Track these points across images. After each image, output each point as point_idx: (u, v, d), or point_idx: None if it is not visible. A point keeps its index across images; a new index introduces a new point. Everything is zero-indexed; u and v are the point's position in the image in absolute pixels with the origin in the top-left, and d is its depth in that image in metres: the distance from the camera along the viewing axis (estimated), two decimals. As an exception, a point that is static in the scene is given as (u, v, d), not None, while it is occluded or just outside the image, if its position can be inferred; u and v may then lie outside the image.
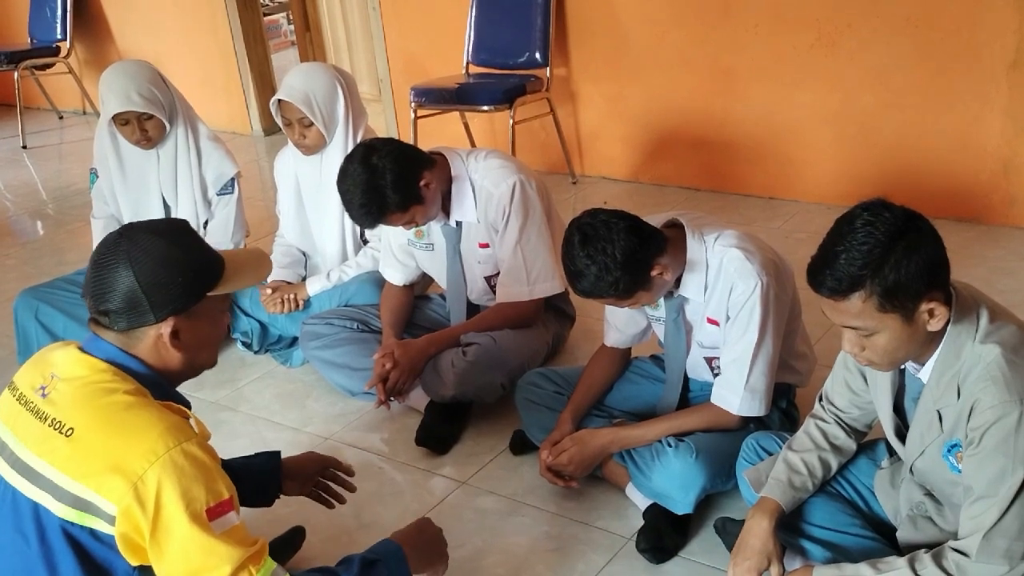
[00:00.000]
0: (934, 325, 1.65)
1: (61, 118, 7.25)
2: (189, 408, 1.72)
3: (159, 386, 1.68)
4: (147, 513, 1.51)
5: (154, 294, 1.62)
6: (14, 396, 1.67)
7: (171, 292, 1.64)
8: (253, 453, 2.21)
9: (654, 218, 2.26)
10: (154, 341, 1.66)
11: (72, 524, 1.55)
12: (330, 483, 2.23)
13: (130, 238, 1.65)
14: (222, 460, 2.06)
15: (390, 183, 2.56)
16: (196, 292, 1.68)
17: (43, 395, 1.62)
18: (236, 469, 2.05)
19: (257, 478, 2.11)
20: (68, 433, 1.56)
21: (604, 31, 4.61)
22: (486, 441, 2.77)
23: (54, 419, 1.58)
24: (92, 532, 1.55)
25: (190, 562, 1.53)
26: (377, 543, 1.90)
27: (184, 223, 1.78)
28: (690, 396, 2.49)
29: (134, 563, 1.57)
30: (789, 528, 2.00)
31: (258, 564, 1.58)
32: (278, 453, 2.20)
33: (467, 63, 4.94)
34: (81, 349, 1.67)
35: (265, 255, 1.90)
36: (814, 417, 2.07)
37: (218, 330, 1.78)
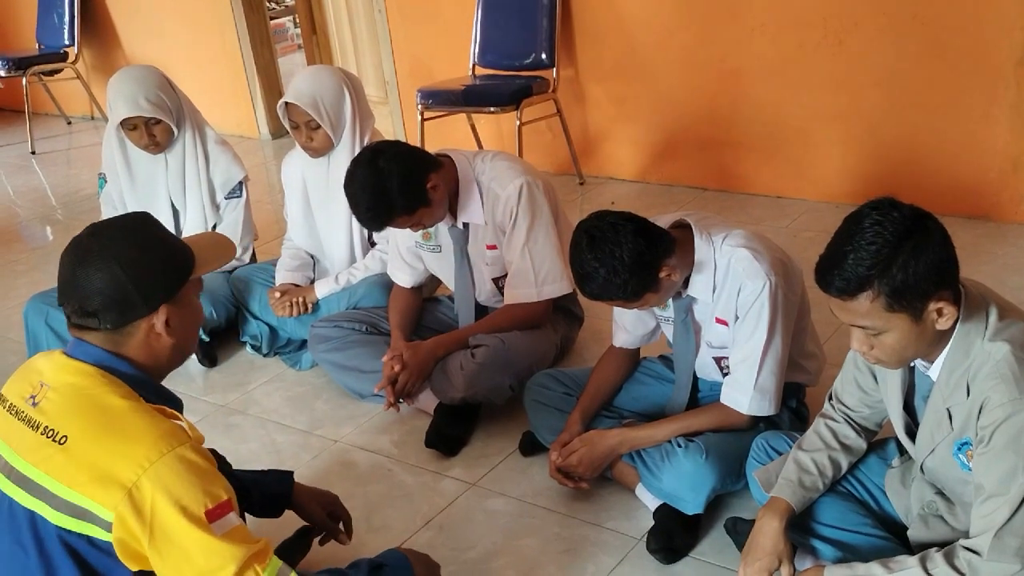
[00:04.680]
0: (943, 324, 1.64)
1: (69, 124, 7.27)
2: (181, 407, 1.71)
3: (147, 386, 1.66)
4: (144, 519, 1.50)
5: (143, 285, 1.62)
6: (4, 407, 1.66)
7: (158, 280, 1.64)
8: (266, 470, 2.23)
9: (661, 219, 2.26)
10: (145, 334, 1.65)
11: (69, 532, 1.54)
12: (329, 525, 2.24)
13: (102, 235, 1.64)
14: (235, 471, 2.07)
15: (397, 186, 2.56)
16: (180, 277, 1.68)
17: (33, 404, 1.61)
18: (247, 484, 2.06)
19: (266, 498, 2.12)
20: (61, 441, 1.55)
21: (610, 32, 4.61)
22: (495, 443, 2.77)
23: (46, 427, 1.57)
24: (89, 540, 1.54)
25: (193, 565, 1.52)
26: (384, 551, 1.93)
27: (145, 214, 1.76)
28: (699, 396, 2.49)
29: (134, 569, 1.56)
30: (800, 528, 2.00)
31: (263, 562, 1.57)
32: (290, 476, 2.20)
33: (473, 65, 4.93)
34: (66, 355, 1.65)
35: (222, 236, 1.92)
36: (824, 416, 2.06)
37: (199, 314, 1.78)
